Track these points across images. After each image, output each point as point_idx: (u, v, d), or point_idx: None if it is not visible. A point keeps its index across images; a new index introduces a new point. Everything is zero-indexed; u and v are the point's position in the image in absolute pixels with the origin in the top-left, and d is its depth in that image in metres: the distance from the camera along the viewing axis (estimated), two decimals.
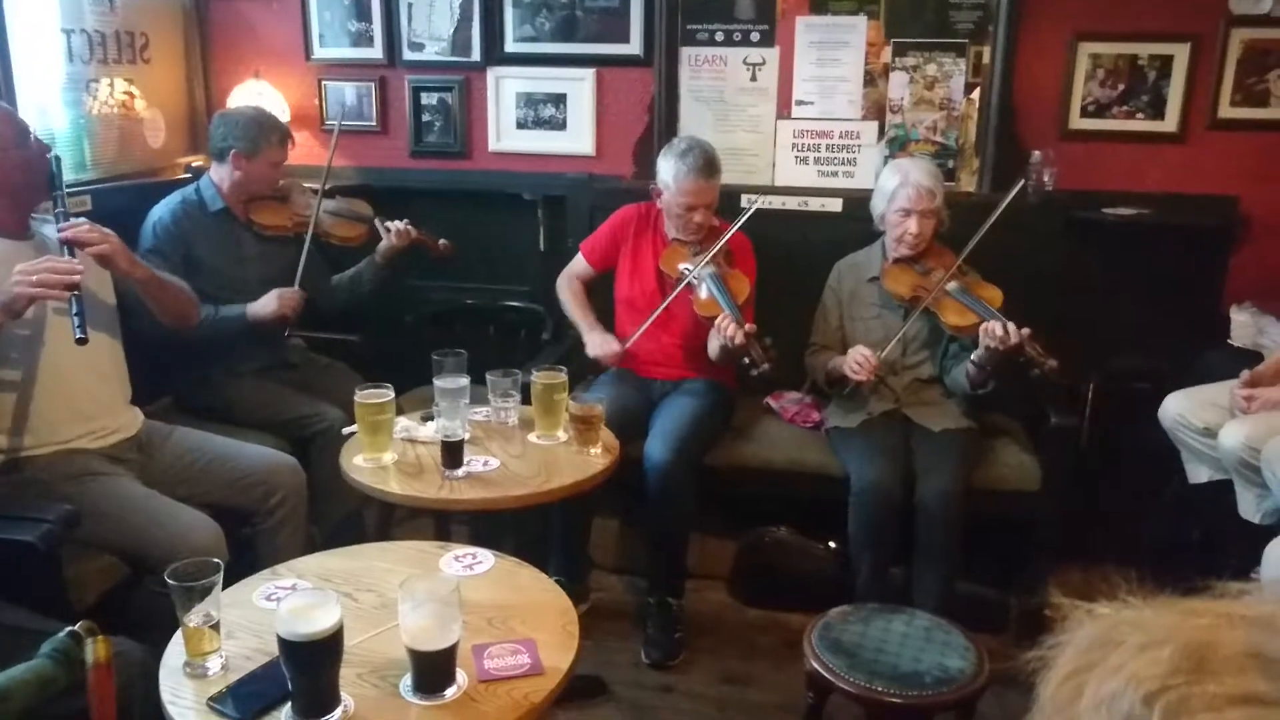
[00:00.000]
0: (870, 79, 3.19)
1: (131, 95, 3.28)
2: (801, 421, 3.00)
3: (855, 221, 3.03)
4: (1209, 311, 3.04)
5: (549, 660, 1.53)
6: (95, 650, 1.17)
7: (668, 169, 2.81)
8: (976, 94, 3.14)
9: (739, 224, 2.82)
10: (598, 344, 2.90)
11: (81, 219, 2.25)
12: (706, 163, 2.78)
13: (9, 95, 2.66)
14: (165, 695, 1.44)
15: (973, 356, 2.63)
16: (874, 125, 3.22)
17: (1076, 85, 3.07)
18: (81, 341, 2.04)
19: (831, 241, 3.08)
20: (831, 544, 2.90)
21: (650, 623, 2.77)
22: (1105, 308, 3.07)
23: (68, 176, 2.42)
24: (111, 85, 3.18)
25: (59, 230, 2.19)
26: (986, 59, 3.09)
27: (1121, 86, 3.05)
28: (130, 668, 1.65)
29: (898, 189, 2.76)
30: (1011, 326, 2.51)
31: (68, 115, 3.01)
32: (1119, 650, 0.46)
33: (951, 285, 2.72)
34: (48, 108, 2.90)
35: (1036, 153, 3.06)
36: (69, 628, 1.22)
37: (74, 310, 2.05)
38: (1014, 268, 2.84)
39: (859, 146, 3.24)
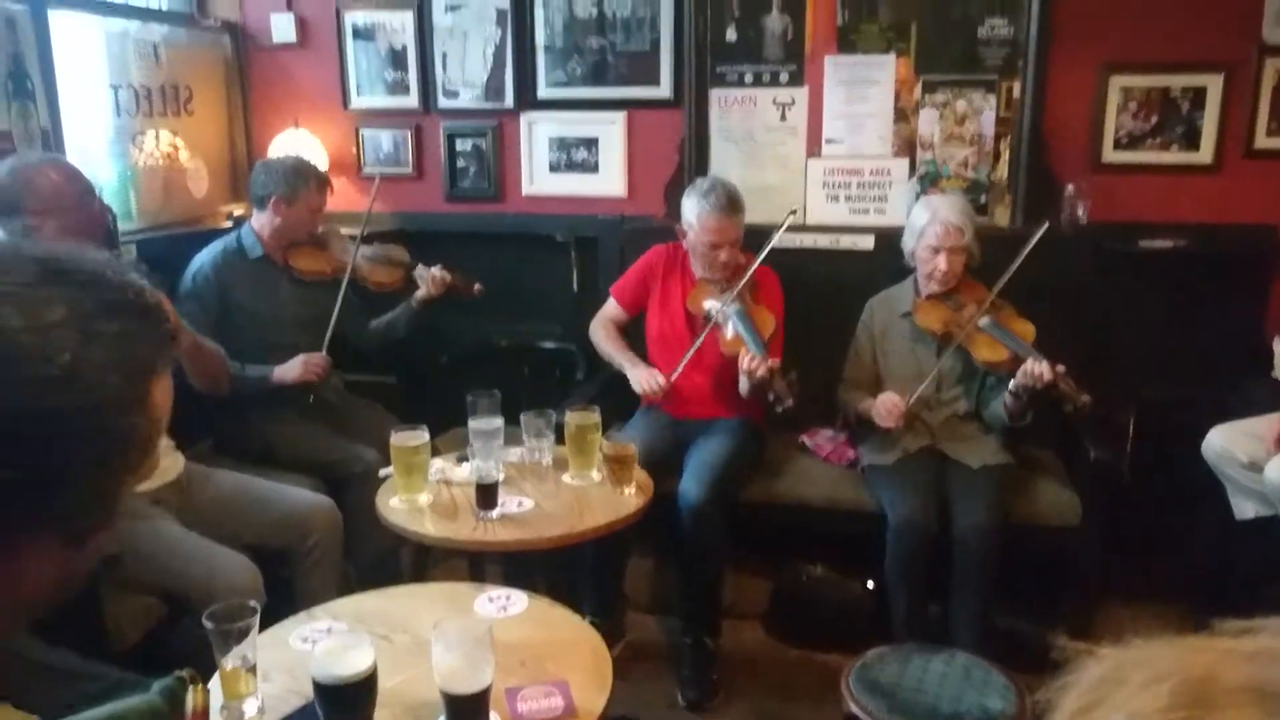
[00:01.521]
0: (900, 116, 3.20)
1: (176, 146, 3.37)
2: (837, 459, 2.99)
3: (887, 258, 3.04)
4: (1250, 343, 3.00)
5: (582, 702, 1.53)
6: (194, 697, 1.21)
7: (691, 208, 2.84)
8: (1007, 128, 3.13)
9: (760, 258, 2.83)
10: (643, 379, 2.88)
11: None
12: (729, 200, 2.80)
13: (58, 147, 2.75)
14: None
15: (1009, 390, 2.61)
16: (905, 162, 3.23)
17: (1108, 118, 3.06)
18: None
19: (864, 278, 3.08)
20: (869, 582, 2.86)
21: (686, 663, 2.75)
22: (1143, 340, 3.03)
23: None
24: (157, 137, 3.28)
25: None
26: (1016, 94, 3.09)
27: (1154, 118, 3.04)
28: None
29: (927, 226, 2.76)
30: (1045, 363, 2.50)
31: (114, 167, 3.10)
32: (1121, 689, 0.46)
33: (984, 320, 2.71)
34: (95, 159, 2.98)
35: (1069, 186, 3.05)
36: (176, 673, 1.26)
37: None
38: (1049, 301, 2.83)
39: (890, 183, 3.25)
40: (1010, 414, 2.66)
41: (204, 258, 2.90)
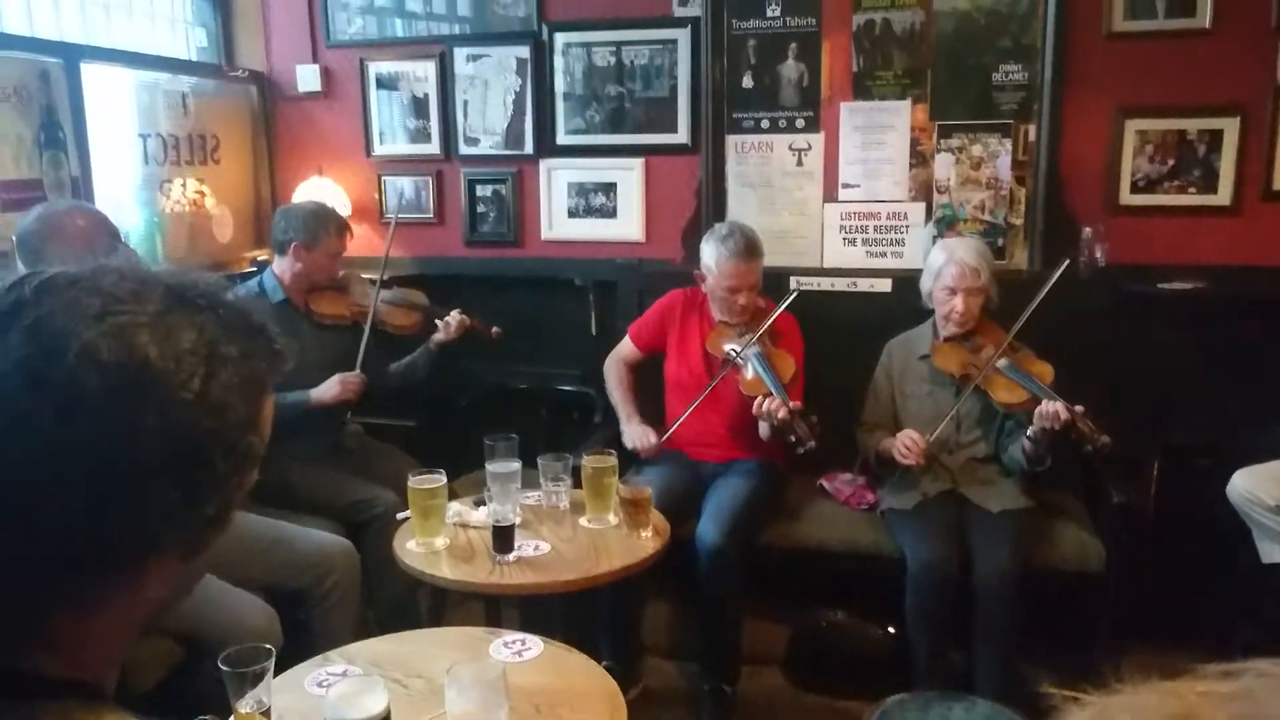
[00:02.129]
0: (916, 160, 3.22)
1: (202, 194, 3.44)
2: (856, 503, 2.97)
3: (905, 301, 3.04)
4: (1274, 385, 2.96)
5: None
6: None
7: (710, 253, 2.86)
8: (1024, 172, 3.15)
9: (784, 306, 2.85)
10: (635, 436, 2.93)
11: None
12: (747, 245, 2.83)
13: (88, 195, 2.81)
14: None
15: (1027, 433, 2.60)
16: (921, 205, 3.24)
17: (1125, 161, 3.06)
18: None
19: (881, 321, 3.08)
20: (890, 628, 2.83)
21: (704, 709, 2.73)
22: (1165, 382, 3.01)
23: None
24: (184, 185, 3.35)
25: None
26: (1032, 138, 3.11)
27: (1171, 161, 3.04)
28: None
29: (943, 267, 2.77)
30: (1062, 404, 2.49)
31: (142, 213, 3.16)
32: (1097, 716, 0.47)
33: (1002, 362, 2.71)
34: (123, 206, 3.05)
35: (1087, 228, 3.05)
36: (199, 718, 1.27)
37: None
38: (1068, 343, 2.82)
39: (907, 226, 3.26)
40: (1029, 457, 2.64)
41: None
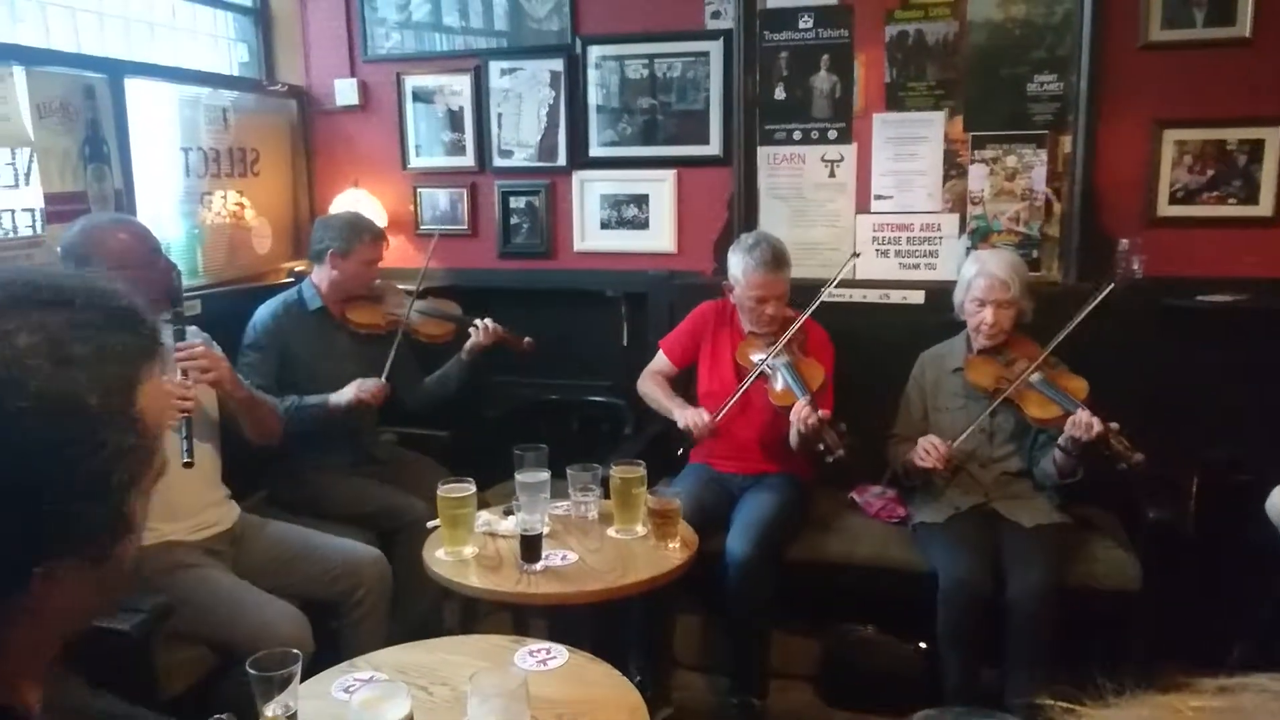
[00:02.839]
0: (950, 172, 3.20)
1: (242, 206, 3.50)
2: (886, 516, 2.94)
3: (938, 313, 3.02)
4: None
5: None
6: None
7: (737, 264, 2.86)
8: (1059, 183, 3.12)
9: (808, 312, 2.84)
10: (689, 417, 2.85)
11: (198, 343, 2.40)
12: (774, 256, 2.82)
13: (130, 208, 2.87)
14: None
15: (1059, 442, 2.56)
16: (955, 217, 3.22)
17: (1163, 172, 3.02)
18: (188, 465, 2.22)
19: (914, 333, 3.06)
20: (921, 644, 2.80)
21: None
22: (1203, 397, 2.95)
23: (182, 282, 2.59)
24: (224, 197, 3.41)
25: (177, 351, 2.34)
26: (1068, 149, 3.08)
27: (1210, 172, 2.99)
28: None
29: (974, 278, 2.75)
30: (1095, 419, 2.45)
31: (183, 225, 3.22)
32: None
33: (1034, 376, 2.67)
34: (165, 219, 3.10)
35: (1124, 241, 3.01)
36: (217, 716, 1.28)
37: (184, 434, 2.21)
38: (1103, 357, 2.78)
39: (940, 238, 3.24)
40: (1059, 469, 2.61)
41: (265, 311, 2.99)
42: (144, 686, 2.00)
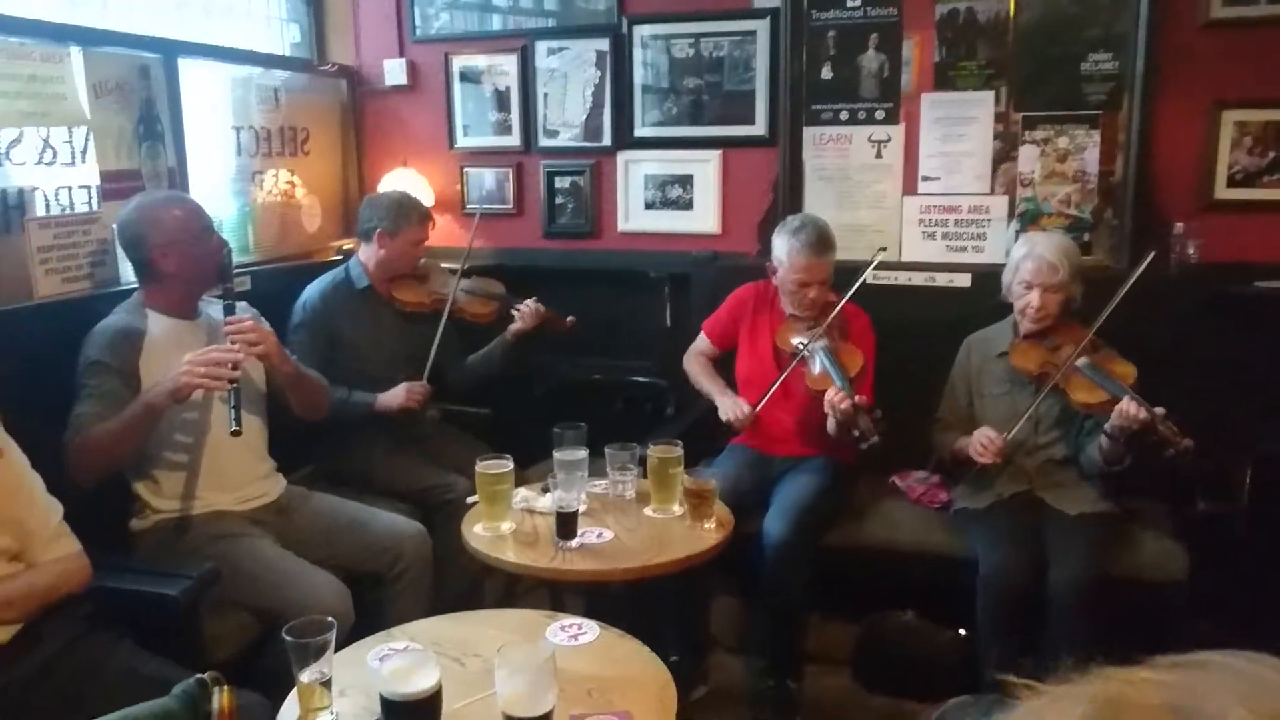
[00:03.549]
0: (999, 153, 3.14)
1: (292, 184, 3.55)
2: (928, 502, 2.92)
3: (984, 297, 2.97)
4: None
5: None
6: (221, 699, 1.26)
7: (781, 246, 2.84)
8: (1112, 165, 3.04)
9: (846, 298, 2.81)
10: (729, 408, 2.87)
11: (246, 317, 2.45)
12: (819, 239, 2.80)
13: (183, 185, 2.93)
14: None
15: (1104, 428, 2.52)
16: (1004, 199, 3.16)
17: (1221, 154, 2.94)
18: (236, 433, 2.26)
19: (959, 317, 3.01)
20: (961, 631, 2.77)
21: (768, 705, 2.72)
22: (1259, 386, 2.87)
23: (233, 259, 2.64)
24: (275, 176, 3.46)
25: (225, 324, 2.39)
26: (1122, 130, 3.00)
27: (1272, 154, 2.90)
28: None
29: (1022, 261, 2.70)
30: (1142, 405, 2.40)
31: (235, 203, 3.29)
32: (1047, 712, 0.49)
33: (1081, 361, 2.62)
34: (217, 197, 3.16)
35: (1178, 224, 2.94)
36: (199, 675, 1.31)
37: (232, 403, 2.26)
38: (1155, 344, 2.71)
39: (988, 221, 3.19)
40: (1105, 457, 2.56)
41: (313, 289, 3.04)
42: (191, 651, 2.06)
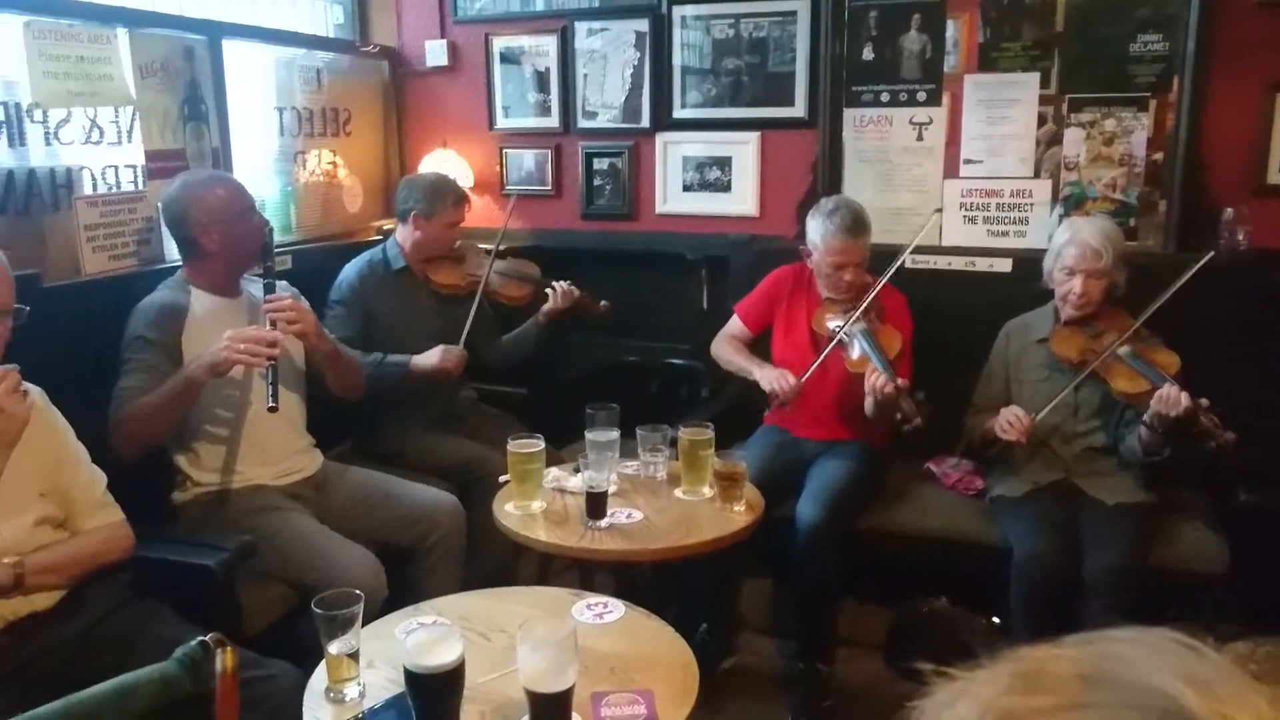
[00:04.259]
0: (1043, 136, 3.09)
1: (334, 165, 3.59)
2: (963, 489, 2.89)
3: (1025, 282, 2.92)
4: None
5: (665, 713, 1.54)
6: (223, 660, 1.28)
7: (815, 229, 2.82)
8: (1160, 149, 2.97)
9: (886, 277, 2.79)
10: (773, 378, 2.81)
11: (286, 296, 2.49)
12: (854, 221, 2.77)
13: (227, 165, 2.98)
14: (307, 716, 1.56)
15: (1144, 417, 2.47)
16: (1048, 183, 3.11)
17: (1275, 138, 2.86)
18: (273, 410, 2.30)
19: (1000, 303, 2.96)
20: (994, 619, 2.75)
21: (797, 688, 2.72)
22: None
23: (275, 238, 2.68)
24: (318, 156, 3.50)
25: (265, 303, 2.43)
26: (1171, 112, 2.93)
27: None
28: (288, 690, 1.78)
29: (1064, 246, 2.65)
30: (1184, 394, 2.35)
31: (277, 183, 3.33)
32: (970, 687, 0.51)
33: (1123, 350, 2.57)
34: (260, 177, 3.21)
35: (1229, 210, 2.87)
36: (201, 638, 1.34)
37: (270, 380, 2.30)
38: (1202, 332, 2.65)
39: (1031, 205, 3.13)
40: (1144, 446, 2.51)
41: (351, 268, 3.08)
42: (229, 621, 2.10)
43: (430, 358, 2.94)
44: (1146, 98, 2.96)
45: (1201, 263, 2.54)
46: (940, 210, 2.97)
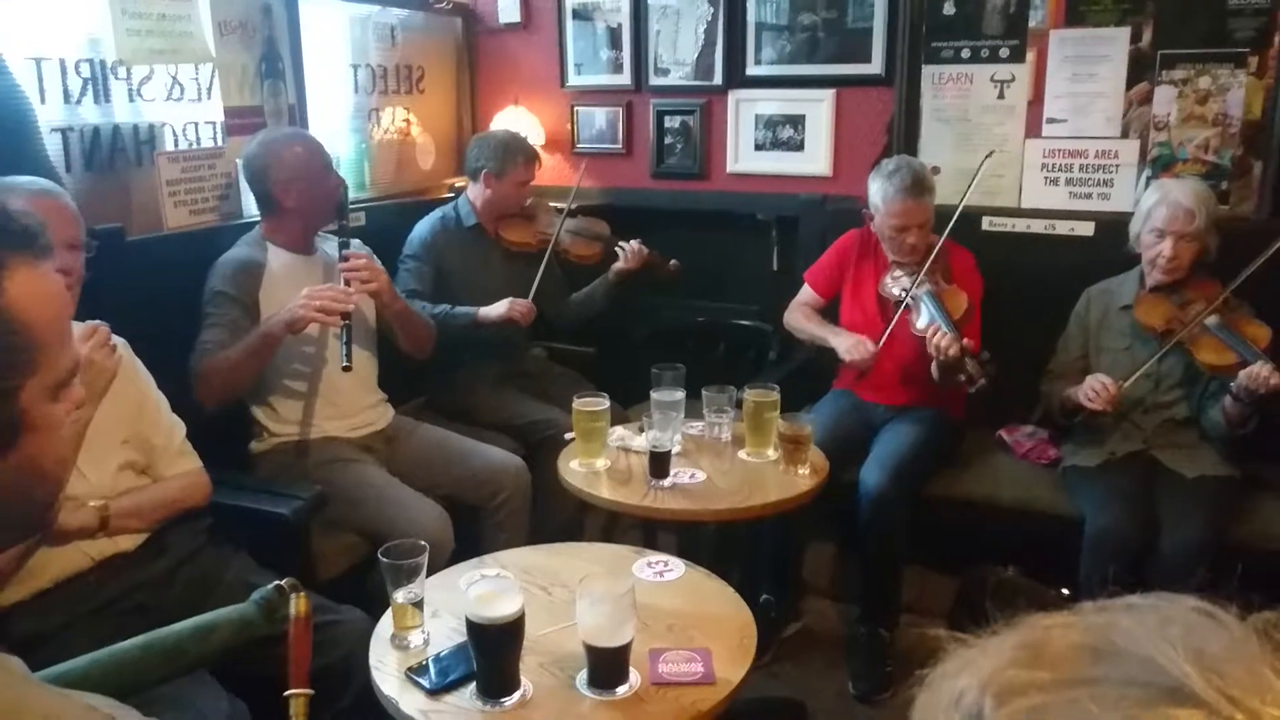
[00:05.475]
0: (1133, 94, 2.96)
1: (409, 122, 3.62)
2: (1036, 458, 2.83)
3: (1108, 246, 2.82)
4: None
5: (721, 672, 1.55)
6: (297, 605, 1.33)
7: (877, 191, 2.76)
8: (1258, 109, 2.83)
9: (945, 234, 2.73)
10: (849, 345, 2.78)
11: (362, 255, 2.53)
12: (915, 182, 2.70)
13: (303, 122, 3.02)
14: (373, 661, 1.60)
15: (1230, 389, 2.38)
16: (1135, 144, 2.99)
17: None
18: (346, 369, 2.36)
19: (1081, 267, 2.87)
20: (1064, 590, 2.70)
21: (859, 653, 2.71)
22: None
23: (350, 195, 2.72)
24: (392, 114, 3.54)
25: (340, 261, 2.48)
26: (1271, 70, 2.78)
27: None
28: (357, 635, 1.83)
29: (1154, 208, 2.55)
30: (1275, 372, 2.26)
31: (352, 140, 3.37)
32: (974, 659, 0.50)
33: (1211, 320, 2.48)
34: (336, 134, 3.25)
35: None
36: (276, 581, 1.39)
37: (344, 339, 2.35)
38: None
39: (1117, 166, 3.02)
40: (1229, 419, 2.42)
41: (423, 226, 3.12)
42: (303, 568, 2.18)
43: (498, 308, 2.95)
44: (1245, 54, 2.81)
45: None
46: (991, 154, 2.86)
